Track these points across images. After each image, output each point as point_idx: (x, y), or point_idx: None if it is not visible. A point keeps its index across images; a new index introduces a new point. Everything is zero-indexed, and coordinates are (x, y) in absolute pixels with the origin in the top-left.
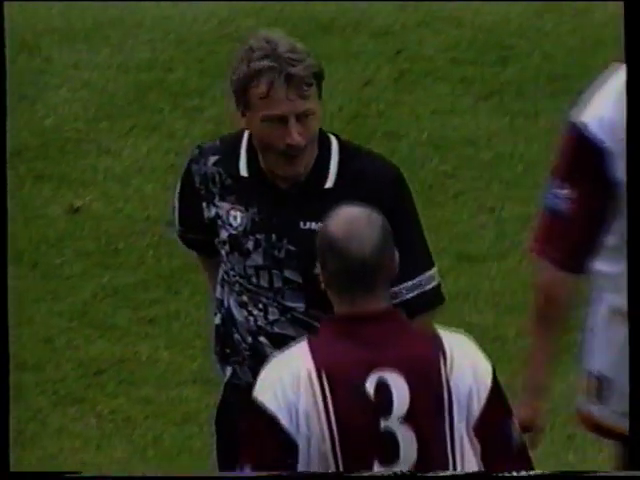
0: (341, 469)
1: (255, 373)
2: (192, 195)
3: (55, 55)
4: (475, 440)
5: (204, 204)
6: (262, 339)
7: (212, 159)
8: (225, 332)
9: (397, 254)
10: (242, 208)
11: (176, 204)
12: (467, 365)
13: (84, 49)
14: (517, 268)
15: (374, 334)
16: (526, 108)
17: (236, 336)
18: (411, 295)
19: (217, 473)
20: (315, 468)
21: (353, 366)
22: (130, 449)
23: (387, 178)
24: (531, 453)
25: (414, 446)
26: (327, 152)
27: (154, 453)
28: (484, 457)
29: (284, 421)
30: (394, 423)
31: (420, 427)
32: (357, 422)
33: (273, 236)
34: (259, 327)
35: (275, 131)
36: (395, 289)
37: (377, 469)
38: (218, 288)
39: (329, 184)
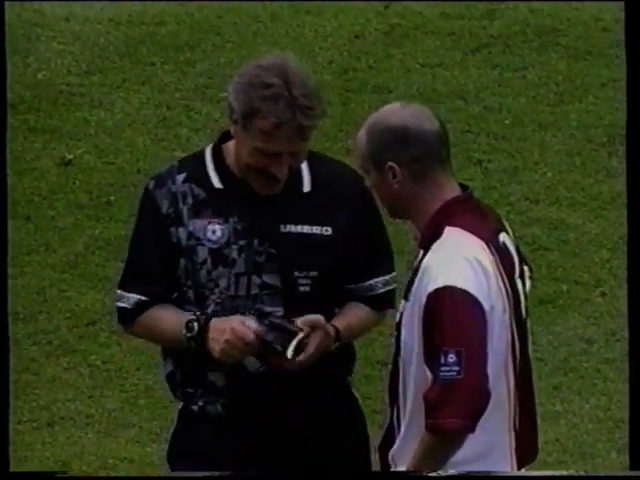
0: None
1: (232, 403)
2: (159, 228)
3: (47, 8)
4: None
5: (172, 229)
6: None
7: (180, 177)
8: (192, 373)
9: None
10: (221, 220)
11: (136, 254)
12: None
13: (76, 2)
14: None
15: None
16: (514, 61)
17: (209, 379)
18: (384, 290)
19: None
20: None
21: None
22: (122, 399)
23: (359, 185)
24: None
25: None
26: None
27: (145, 403)
28: None
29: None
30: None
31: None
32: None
33: (255, 241)
34: None
35: (265, 160)
36: (370, 282)
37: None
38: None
39: (307, 188)
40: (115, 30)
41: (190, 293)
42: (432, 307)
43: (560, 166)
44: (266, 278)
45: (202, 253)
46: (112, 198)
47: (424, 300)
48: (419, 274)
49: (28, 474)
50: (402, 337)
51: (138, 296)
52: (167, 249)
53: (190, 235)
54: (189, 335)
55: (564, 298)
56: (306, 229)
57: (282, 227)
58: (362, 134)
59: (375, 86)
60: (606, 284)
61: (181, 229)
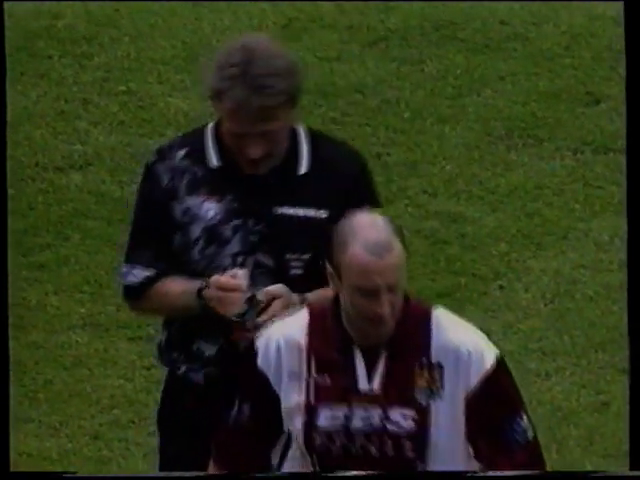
0: None
1: (212, 377)
2: (160, 202)
3: None
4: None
5: (172, 203)
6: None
7: (180, 153)
8: (178, 339)
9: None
10: (217, 198)
11: (141, 228)
12: None
13: None
14: (403, 214)
15: None
16: (412, 55)
17: (195, 346)
18: None
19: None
20: None
21: None
22: (21, 393)
23: (357, 166)
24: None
25: None
26: (296, 139)
27: (45, 397)
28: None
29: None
30: None
31: None
32: None
33: (250, 221)
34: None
35: (237, 141)
36: None
37: None
38: None
39: (303, 170)
40: (11, 23)
41: (185, 268)
42: (495, 381)
43: (458, 159)
44: (260, 257)
45: (196, 230)
46: (10, 192)
47: (477, 383)
48: (451, 367)
49: (29, 474)
50: (431, 440)
51: (146, 272)
52: (167, 223)
53: (185, 212)
54: (203, 303)
55: (462, 291)
56: (300, 212)
57: (276, 209)
58: (396, 249)
59: None
60: (504, 277)
61: (177, 205)
